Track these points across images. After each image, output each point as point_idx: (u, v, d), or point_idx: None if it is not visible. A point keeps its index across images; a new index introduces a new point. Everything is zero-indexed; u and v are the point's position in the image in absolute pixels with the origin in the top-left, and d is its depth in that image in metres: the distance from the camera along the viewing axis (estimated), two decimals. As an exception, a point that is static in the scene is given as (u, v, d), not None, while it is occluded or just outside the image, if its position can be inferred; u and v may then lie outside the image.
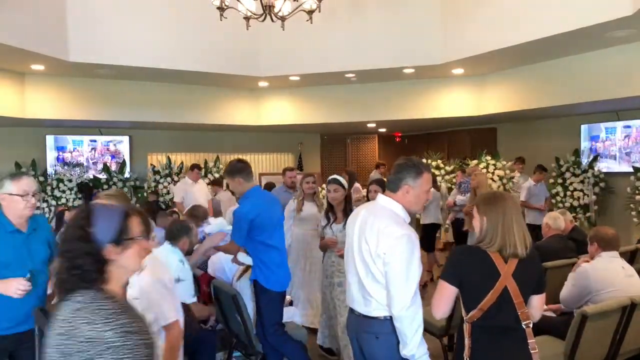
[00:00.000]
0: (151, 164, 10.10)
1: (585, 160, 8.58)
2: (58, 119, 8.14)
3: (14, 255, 2.68)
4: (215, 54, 7.60)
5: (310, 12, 5.25)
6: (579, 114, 8.61)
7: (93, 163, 9.77)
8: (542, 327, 3.50)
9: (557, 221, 4.71)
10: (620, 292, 3.36)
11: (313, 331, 4.64)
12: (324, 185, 5.33)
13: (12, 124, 8.51)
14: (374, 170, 10.21)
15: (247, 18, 5.26)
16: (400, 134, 13.29)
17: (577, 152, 8.69)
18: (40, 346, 2.57)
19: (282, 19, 5.27)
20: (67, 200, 9.03)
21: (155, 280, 2.28)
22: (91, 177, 9.51)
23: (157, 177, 9.75)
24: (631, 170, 7.91)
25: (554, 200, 8.47)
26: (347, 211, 4.03)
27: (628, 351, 3.43)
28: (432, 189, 5.79)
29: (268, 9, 5.13)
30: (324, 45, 7.64)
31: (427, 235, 7.06)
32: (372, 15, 7.58)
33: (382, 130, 12.16)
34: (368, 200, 4.54)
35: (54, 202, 8.99)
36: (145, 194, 9.59)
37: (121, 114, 8.35)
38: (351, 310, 2.57)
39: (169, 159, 10.01)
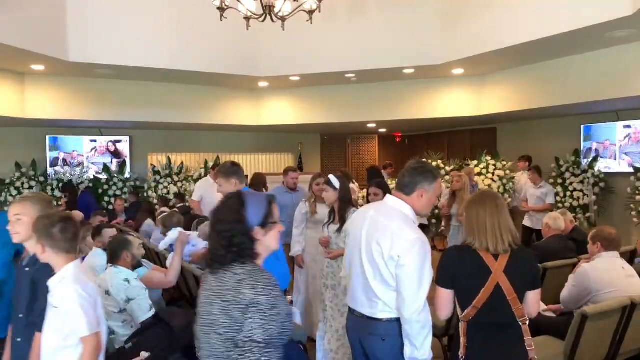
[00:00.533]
0: (151, 164, 10.11)
1: (585, 161, 8.58)
2: (58, 119, 8.14)
3: None
4: (216, 54, 7.60)
5: (310, 12, 5.25)
6: (579, 114, 8.60)
7: (93, 163, 9.78)
8: (542, 327, 3.51)
9: (557, 221, 4.72)
10: (621, 292, 3.36)
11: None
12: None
13: (12, 124, 8.51)
14: (382, 171, 10.14)
15: (247, 18, 5.26)
16: (400, 134, 13.30)
17: (577, 152, 8.69)
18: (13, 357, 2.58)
19: (282, 19, 5.27)
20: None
21: (76, 290, 2.22)
22: (91, 177, 9.52)
23: (157, 177, 9.75)
24: (631, 170, 7.90)
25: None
26: (342, 214, 3.96)
27: (628, 351, 3.43)
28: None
29: (268, 9, 5.13)
30: (324, 45, 7.64)
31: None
32: (372, 15, 7.59)
33: (382, 130, 12.16)
34: (369, 202, 4.46)
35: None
36: (145, 194, 9.61)
37: (121, 114, 8.34)
38: (351, 312, 2.55)
39: (169, 159, 10.01)
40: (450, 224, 5.94)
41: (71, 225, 2.34)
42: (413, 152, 11.44)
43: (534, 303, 2.36)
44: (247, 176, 9.83)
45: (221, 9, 5.18)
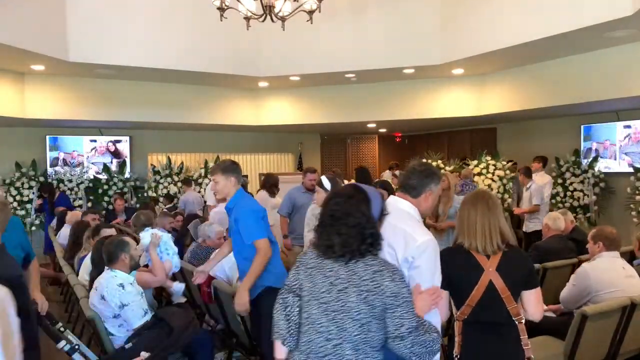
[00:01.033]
0: (151, 164, 10.10)
1: (585, 161, 8.58)
2: (58, 119, 8.14)
3: None
4: (216, 54, 7.61)
5: (310, 13, 5.26)
6: (579, 114, 8.61)
7: (93, 163, 9.78)
8: (542, 327, 3.50)
9: (557, 221, 4.71)
10: (621, 292, 3.36)
11: None
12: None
13: (12, 124, 8.51)
14: (387, 171, 10.16)
15: (247, 18, 5.26)
16: (400, 134, 13.30)
17: (577, 152, 8.69)
18: None
19: (283, 19, 5.28)
20: (67, 200, 9.02)
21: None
22: (91, 177, 9.52)
23: (157, 177, 9.75)
24: (631, 170, 7.90)
25: (553, 201, 8.45)
26: None
27: (628, 351, 3.43)
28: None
29: (268, 9, 5.14)
30: (323, 46, 7.64)
31: None
32: (372, 16, 7.59)
33: (382, 130, 12.17)
34: None
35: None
36: (145, 194, 9.61)
37: (121, 114, 8.35)
38: None
39: (169, 159, 10.01)
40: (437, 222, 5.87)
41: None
42: (413, 152, 11.43)
43: (535, 304, 2.32)
44: (245, 176, 9.84)
45: (221, 9, 5.18)
